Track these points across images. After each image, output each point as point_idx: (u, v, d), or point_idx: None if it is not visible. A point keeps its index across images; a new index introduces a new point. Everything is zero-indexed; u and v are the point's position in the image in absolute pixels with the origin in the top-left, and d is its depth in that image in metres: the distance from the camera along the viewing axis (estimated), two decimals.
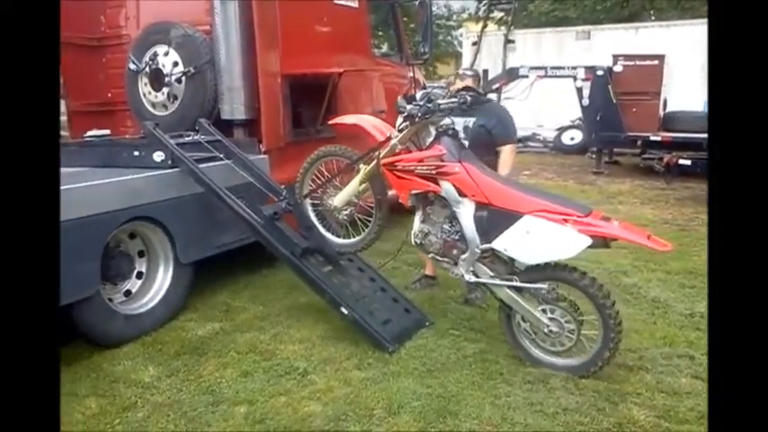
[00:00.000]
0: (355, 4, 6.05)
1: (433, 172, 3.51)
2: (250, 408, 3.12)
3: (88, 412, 3.09)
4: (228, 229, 4.37)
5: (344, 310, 3.77)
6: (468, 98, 3.68)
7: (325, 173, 4.11)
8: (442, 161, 3.50)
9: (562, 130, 14.45)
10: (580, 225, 3.16)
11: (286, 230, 4.05)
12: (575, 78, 11.05)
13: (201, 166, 4.19)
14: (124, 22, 5.84)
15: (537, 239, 3.23)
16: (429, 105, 3.47)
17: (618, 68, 10.91)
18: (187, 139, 4.57)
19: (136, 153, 4.33)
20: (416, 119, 3.50)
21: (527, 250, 3.28)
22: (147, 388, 3.32)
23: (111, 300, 3.88)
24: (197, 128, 4.77)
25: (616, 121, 10.75)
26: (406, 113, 3.53)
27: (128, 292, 4.07)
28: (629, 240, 3.21)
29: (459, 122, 4.24)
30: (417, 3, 7.22)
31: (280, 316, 4.30)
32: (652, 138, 10.72)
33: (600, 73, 10.84)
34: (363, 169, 3.80)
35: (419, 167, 3.55)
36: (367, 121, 4.00)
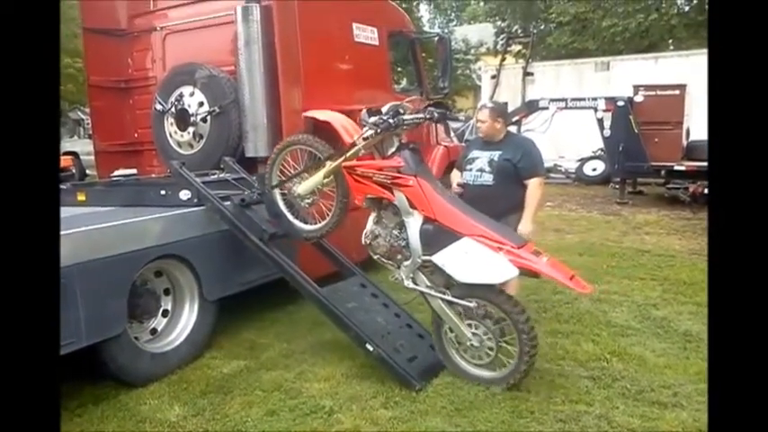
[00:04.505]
0: (376, 42, 6.15)
1: (389, 181, 3.72)
2: None
3: None
4: (253, 266, 4.38)
5: (370, 347, 3.74)
6: (436, 114, 3.89)
7: (291, 162, 4.26)
8: (399, 172, 3.68)
9: (584, 161, 14.36)
10: (511, 255, 3.40)
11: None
12: (595, 109, 11.03)
13: (227, 203, 4.24)
14: (150, 64, 6.01)
15: (471, 261, 3.46)
16: (391, 121, 3.67)
17: (639, 99, 10.85)
18: (212, 177, 4.65)
19: (162, 192, 4.41)
20: (379, 131, 3.68)
21: (462, 269, 3.49)
22: (173, 427, 3.31)
23: (137, 338, 3.89)
24: (222, 166, 4.85)
25: (639, 151, 10.66)
26: (367, 127, 3.72)
27: (153, 331, 4.08)
28: (552, 278, 3.43)
29: (485, 156, 4.25)
30: (436, 39, 7.38)
31: (305, 353, 4.27)
32: (676, 167, 10.60)
33: (621, 103, 10.80)
34: (329, 165, 3.93)
35: (377, 175, 3.73)
36: (338, 120, 4.19)
